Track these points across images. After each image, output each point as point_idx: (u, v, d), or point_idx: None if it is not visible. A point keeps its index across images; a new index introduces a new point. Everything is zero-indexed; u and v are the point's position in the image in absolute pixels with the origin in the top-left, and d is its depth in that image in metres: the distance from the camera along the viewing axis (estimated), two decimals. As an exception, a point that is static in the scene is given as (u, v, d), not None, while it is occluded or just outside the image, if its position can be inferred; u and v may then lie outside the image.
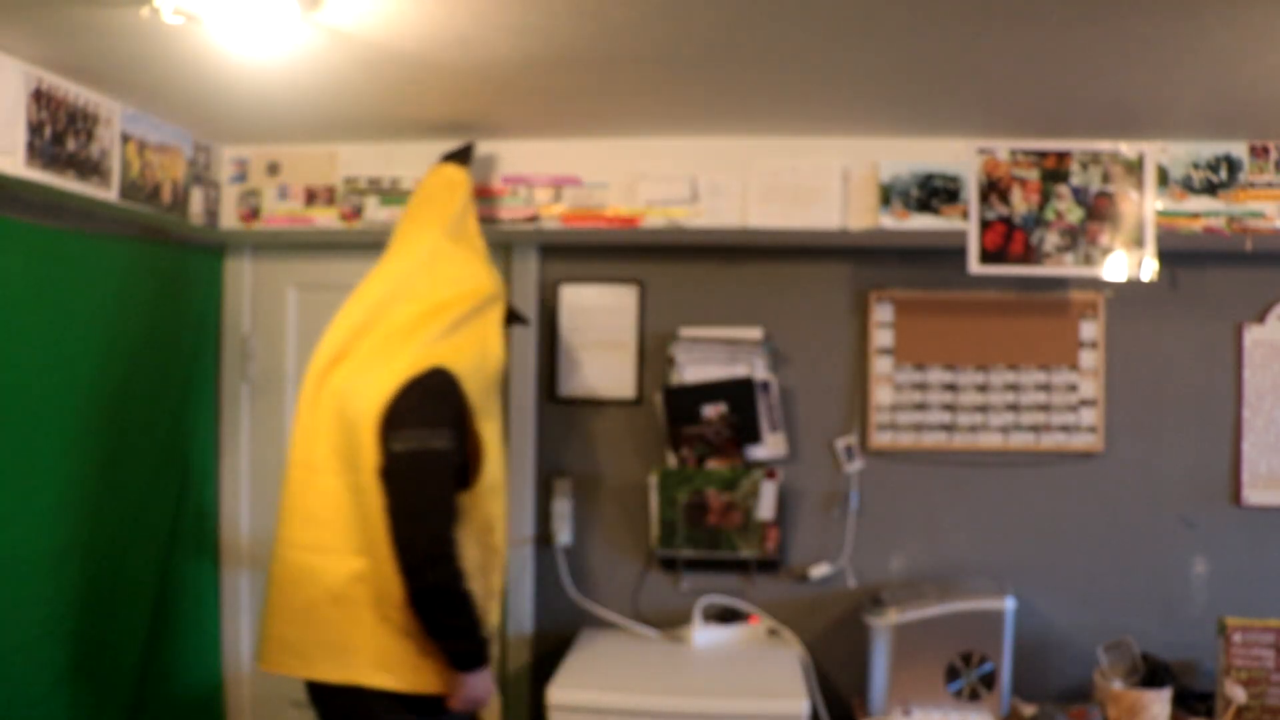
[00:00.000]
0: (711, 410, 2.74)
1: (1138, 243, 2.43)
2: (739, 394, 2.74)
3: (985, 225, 2.45)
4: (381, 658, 1.97)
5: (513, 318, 2.40)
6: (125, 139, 2.28)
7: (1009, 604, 2.45)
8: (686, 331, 2.80)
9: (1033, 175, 2.45)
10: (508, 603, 2.82)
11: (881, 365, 2.79)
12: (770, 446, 2.77)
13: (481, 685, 2.04)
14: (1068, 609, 2.72)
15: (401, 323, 2.09)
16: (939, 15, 1.71)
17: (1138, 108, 2.22)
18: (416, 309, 2.11)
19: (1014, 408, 2.77)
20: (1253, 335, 2.74)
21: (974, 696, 2.45)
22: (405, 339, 2.06)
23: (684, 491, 2.72)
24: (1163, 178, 2.46)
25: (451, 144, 2.51)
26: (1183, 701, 2.50)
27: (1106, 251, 2.43)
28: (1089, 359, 2.75)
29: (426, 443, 1.94)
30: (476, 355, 2.13)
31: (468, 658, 2.01)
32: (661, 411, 2.78)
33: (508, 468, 2.81)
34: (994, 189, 2.45)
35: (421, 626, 1.97)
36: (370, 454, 1.96)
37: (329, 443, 2.02)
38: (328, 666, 1.98)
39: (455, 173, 2.41)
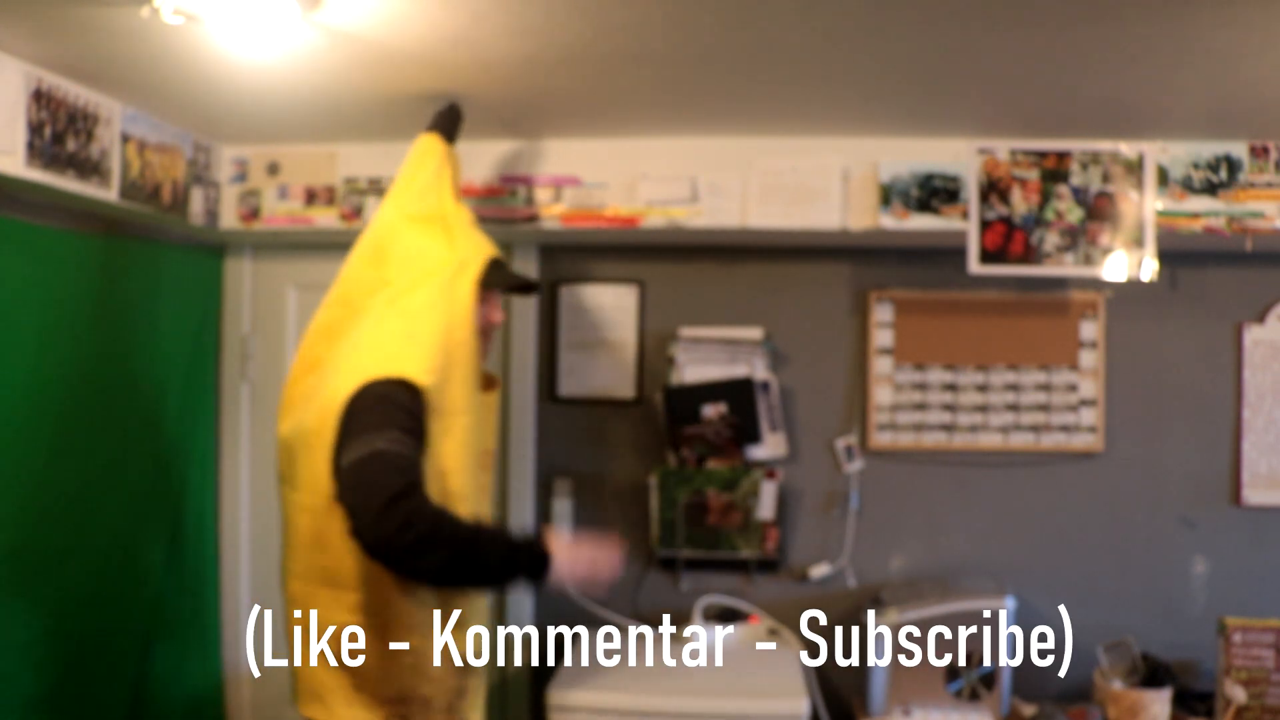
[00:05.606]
0: (711, 410, 2.74)
1: (1138, 243, 2.43)
2: (739, 394, 2.74)
3: (985, 225, 2.45)
4: (314, 686, 1.87)
5: (516, 286, 2.15)
6: (125, 139, 2.28)
7: (1009, 604, 2.45)
8: (686, 331, 2.80)
9: (1033, 175, 2.45)
10: (508, 603, 2.82)
11: (881, 365, 2.79)
12: (770, 446, 2.77)
13: (579, 566, 1.74)
14: (1068, 609, 2.72)
15: (354, 320, 1.93)
16: (939, 15, 1.71)
17: (1138, 108, 2.22)
18: (367, 303, 1.94)
19: (1014, 408, 2.77)
20: (1253, 335, 2.74)
21: (974, 696, 2.45)
22: (354, 341, 1.89)
23: (684, 491, 2.72)
24: (1163, 178, 2.46)
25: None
26: (1183, 701, 2.50)
27: (1106, 251, 2.43)
28: (1089, 359, 2.75)
29: (373, 445, 1.66)
30: (437, 344, 1.87)
31: (507, 568, 1.70)
32: (661, 411, 2.78)
33: (502, 464, 2.82)
34: (994, 189, 2.45)
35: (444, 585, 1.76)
36: (313, 471, 1.79)
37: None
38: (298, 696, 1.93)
39: (426, 141, 2.21)
